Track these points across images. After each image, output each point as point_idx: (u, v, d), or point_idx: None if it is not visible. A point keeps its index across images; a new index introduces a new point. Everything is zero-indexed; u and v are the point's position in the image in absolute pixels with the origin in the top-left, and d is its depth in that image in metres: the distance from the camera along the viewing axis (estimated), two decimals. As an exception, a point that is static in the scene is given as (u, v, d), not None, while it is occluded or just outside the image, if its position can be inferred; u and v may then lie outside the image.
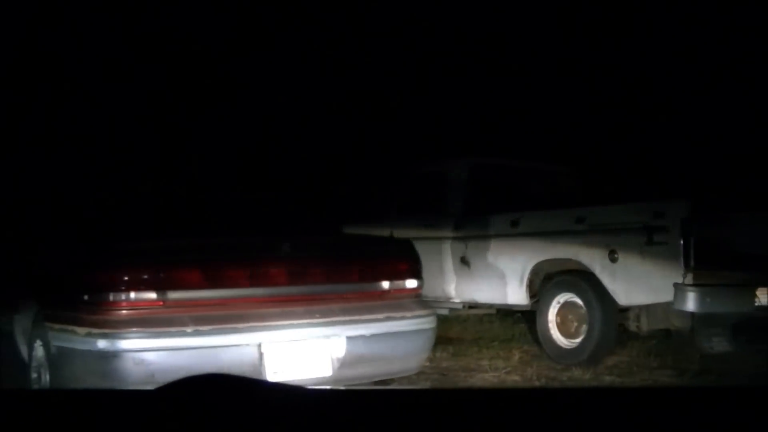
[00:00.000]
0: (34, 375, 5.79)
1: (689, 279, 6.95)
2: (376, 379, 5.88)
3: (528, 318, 9.29)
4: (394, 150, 14.47)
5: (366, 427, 1.86)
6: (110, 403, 2.11)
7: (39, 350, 5.65)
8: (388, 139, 15.49)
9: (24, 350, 6.11)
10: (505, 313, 10.02)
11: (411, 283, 5.83)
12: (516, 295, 8.58)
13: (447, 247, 9.21)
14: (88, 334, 4.95)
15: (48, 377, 5.47)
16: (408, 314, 5.69)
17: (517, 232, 8.60)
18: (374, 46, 15.57)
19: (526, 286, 8.48)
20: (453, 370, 7.84)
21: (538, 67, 15.40)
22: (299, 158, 15.96)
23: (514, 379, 7.47)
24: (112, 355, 4.87)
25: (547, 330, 8.31)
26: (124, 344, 4.88)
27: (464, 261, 9.07)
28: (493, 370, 7.72)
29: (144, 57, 15.01)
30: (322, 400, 2.14)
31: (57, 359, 5.26)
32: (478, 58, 15.59)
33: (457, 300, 9.29)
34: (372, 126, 15.90)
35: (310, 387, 2.29)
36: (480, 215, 9.05)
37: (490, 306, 9.40)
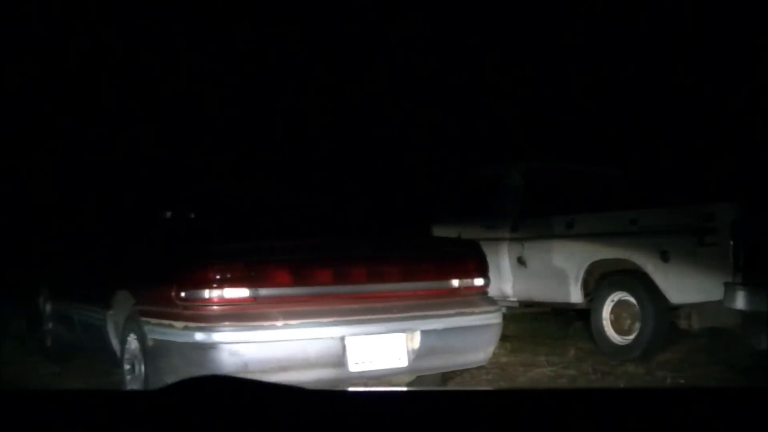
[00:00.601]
0: (127, 366, 6.23)
1: (739, 278, 7.23)
2: (447, 370, 6.29)
3: (581, 316, 9.61)
4: (455, 154, 14.80)
5: (366, 427, 1.89)
6: (110, 403, 2.15)
7: (133, 343, 6.09)
8: (450, 143, 15.82)
9: (115, 343, 6.53)
10: (559, 311, 10.33)
11: (479, 281, 6.22)
12: (571, 293, 8.93)
13: (504, 248, 9.58)
14: (186, 328, 5.37)
15: (143, 368, 5.90)
16: (476, 310, 6.07)
17: (572, 233, 8.95)
18: (436, 51, 15.87)
19: (581, 285, 8.84)
20: (511, 365, 8.19)
21: (586, 69, 15.62)
22: (372, 162, 16.30)
23: (570, 374, 7.80)
24: (209, 347, 5.29)
25: (601, 327, 8.66)
26: (220, 337, 5.29)
27: (521, 261, 9.44)
28: (550, 365, 8.06)
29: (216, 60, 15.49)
30: (322, 400, 2.20)
31: (154, 351, 5.69)
32: (530, 62, 15.85)
33: (513, 298, 9.67)
34: (436, 130, 16.22)
35: (309, 387, 2.26)
36: (536, 217, 9.41)
37: (545, 304, 9.77)
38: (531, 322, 10.66)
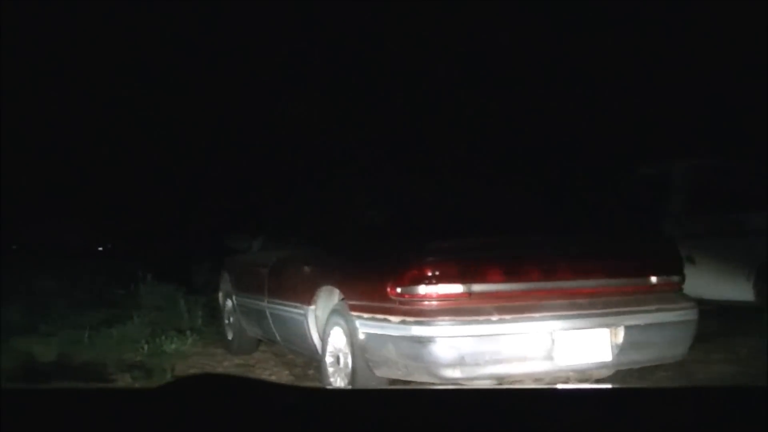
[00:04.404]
0: (330, 359, 6.50)
1: None
2: (646, 365, 6.39)
3: (750, 314, 9.55)
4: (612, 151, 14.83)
5: (366, 427, 1.87)
6: (110, 402, 2.12)
7: (338, 337, 6.35)
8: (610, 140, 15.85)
9: (315, 338, 6.81)
10: (724, 308, 10.28)
11: (677, 278, 6.31)
12: (742, 291, 8.91)
13: None
14: (403, 322, 5.61)
15: (350, 361, 6.16)
16: (675, 306, 6.15)
17: (742, 230, 8.93)
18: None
19: (753, 282, 8.81)
20: (686, 362, 8.20)
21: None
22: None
23: (749, 372, 7.77)
24: (427, 340, 5.51)
25: (777, 324, 8.63)
26: (437, 331, 5.51)
27: (689, 259, 9.43)
28: (727, 363, 8.05)
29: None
30: (322, 400, 2.18)
31: (367, 344, 5.94)
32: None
33: None
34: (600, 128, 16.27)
35: (310, 387, 2.21)
36: (704, 214, 9.41)
37: (714, 302, 9.73)
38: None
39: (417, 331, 5.53)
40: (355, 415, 1.94)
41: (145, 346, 9.05)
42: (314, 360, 7.25)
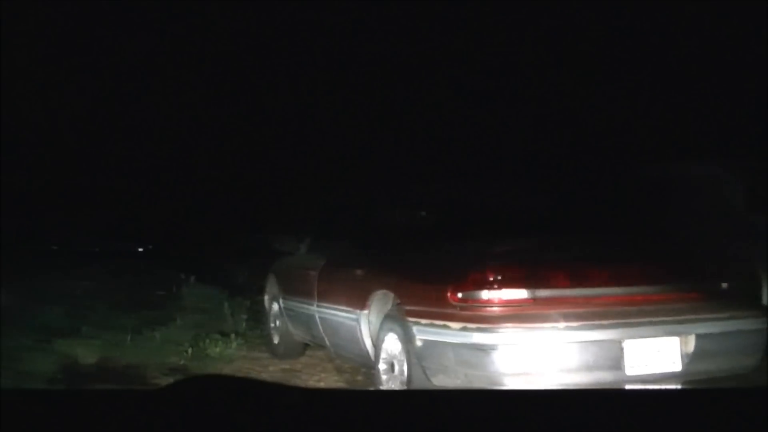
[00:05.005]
0: (383, 366, 6.28)
1: None
2: (717, 376, 6.11)
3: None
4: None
5: (366, 427, 1.89)
6: (110, 403, 2.15)
7: (392, 343, 6.13)
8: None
9: (368, 343, 6.60)
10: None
11: (748, 284, 6.04)
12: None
13: None
14: (464, 329, 5.38)
15: (405, 368, 5.94)
16: (747, 313, 5.88)
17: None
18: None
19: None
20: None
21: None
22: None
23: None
24: (489, 348, 5.29)
25: None
26: (501, 338, 5.28)
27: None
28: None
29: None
30: (322, 400, 2.20)
31: (424, 351, 5.72)
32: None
33: None
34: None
35: (309, 387, 2.21)
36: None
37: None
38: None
39: (479, 338, 5.32)
40: (355, 415, 1.95)
41: (189, 350, 8.87)
42: (364, 366, 7.04)
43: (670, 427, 1.89)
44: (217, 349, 8.97)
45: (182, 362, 8.56)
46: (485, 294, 5.34)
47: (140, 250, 18.34)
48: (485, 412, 2.00)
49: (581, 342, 5.35)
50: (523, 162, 15.68)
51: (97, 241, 17.98)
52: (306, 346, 8.85)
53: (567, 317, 5.33)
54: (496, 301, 5.34)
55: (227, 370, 8.35)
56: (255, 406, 1.94)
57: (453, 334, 5.45)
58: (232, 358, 8.92)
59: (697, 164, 10.72)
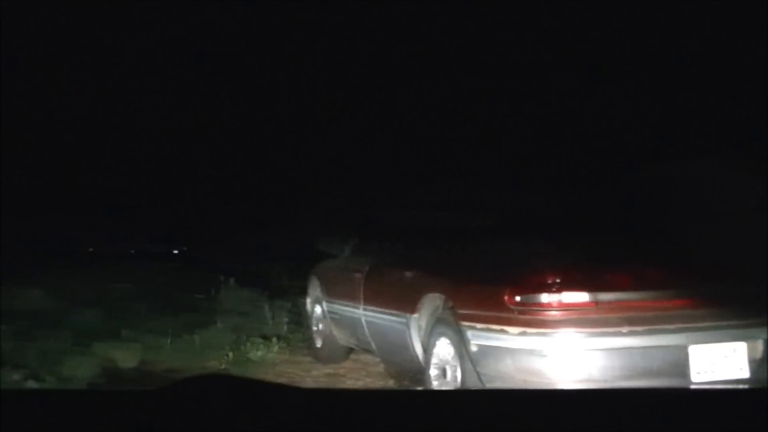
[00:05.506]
0: (435, 371, 6.09)
1: None
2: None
3: None
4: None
5: (366, 427, 1.87)
6: (110, 403, 2.13)
7: (444, 348, 5.94)
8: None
9: (418, 348, 6.40)
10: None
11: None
12: None
13: None
14: (523, 334, 5.18)
15: (458, 373, 5.74)
16: None
17: None
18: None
19: None
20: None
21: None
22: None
23: None
24: (550, 354, 5.08)
25: None
26: (563, 344, 5.08)
27: None
28: None
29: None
30: (322, 400, 2.16)
31: (479, 357, 5.52)
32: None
33: None
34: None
35: (309, 387, 2.22)
36: None
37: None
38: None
39: (539, 343, 5.12)
40: (355, 415, 1.93)
41: (230, 354, 8.75)
42: (413, 371, 6.83)
43: (670, 427, 1.88)
44: (259, 353, 8.84)
45: (223, 366, 8.44)
46: (545, 297, 5.14)
47: (175, 252, 18.32)
48: (485, 412, 1.99)
49: (645, 347, 5.13)
50: (573, 164, 15.53)
51: (132, 244, 17.99)
52: (350, 350, 8.68)
53: (631, 321, 5.11)
54: (556, 304, 5.13)
55: (270, 374, 8.20)
56: (255, 406, 1.93)
57: (511, 339, 5.26)
58: (274, 362, 8.80)
59: (735, 164, 10.45)
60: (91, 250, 17.47)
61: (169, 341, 9.21)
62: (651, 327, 5.13)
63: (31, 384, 6.97)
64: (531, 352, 5.15)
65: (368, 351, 7.81)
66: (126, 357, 8.57)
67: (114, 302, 11.53)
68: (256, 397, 2.00)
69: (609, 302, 5.16)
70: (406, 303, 6.45)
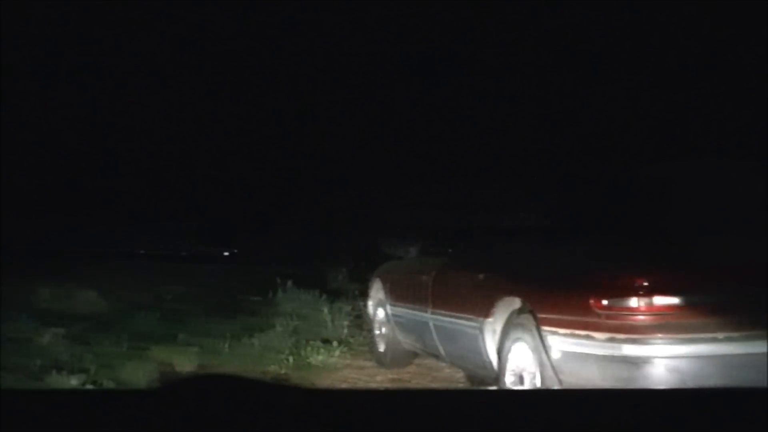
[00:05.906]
0: (511, 378, 5.85)
1: None
2: None
3: None
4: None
5: (366, 427, 1.87)
6: (110, 403, 2.16)
7: (522, 354, 5.70)
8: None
9: (491, 353, 6.17)
10: None
11: None
12: None
13: None
14: (611, 340, 4.93)
15: (538, 381, 5.50)
16: None
17: None
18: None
19: None
20: None
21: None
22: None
23: None
24: (642, 362, 4.84)
25: None
26: (654, 350, 4.85)
27: None
28: None
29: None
30: (323, 400, 2.17)
31: (563, 364, 5.27)
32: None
33: None
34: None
35: (310, 387, 2.11)
36: None
37: None
38: None
39: (630, 350, 4.87)
40: (355, 415, 1.93)
41: (290, 358, 8.62)
42: (485, 377, 6.60)
43: (670, 427, 1.87)
44: (320, 357, 8.71)
45: (284, 371, 8.32)
46: (635, 301, 4.89)
47: (226, 254, 18.25)
48: (485, 412, 1.99)
49: (742, 354, 4.85)
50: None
51: (183, 246, 17.94)
52: (414, 354, 8.45)
53: (726, 326, 4.83)
54: (647, 308, 4.88)
55: (331, 379, 8.10)
56: (255, 406, 1.93)
57: (598, 345, 5.02)
58: (336, 367, 8.66)
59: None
60: (142, 252, 17.45)
61: (227, 345, 9.07)
62: (750, 332, 4.85)
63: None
64: (621, 360, 4.92)
65: (435, 356, 7.59)
66: (184, 361, 8.47)
67: (169, 305, 11.48)
68: (256, 397, 2.00)
69: (703, 306, 4.90)
70: (480, 307, 6.22)
